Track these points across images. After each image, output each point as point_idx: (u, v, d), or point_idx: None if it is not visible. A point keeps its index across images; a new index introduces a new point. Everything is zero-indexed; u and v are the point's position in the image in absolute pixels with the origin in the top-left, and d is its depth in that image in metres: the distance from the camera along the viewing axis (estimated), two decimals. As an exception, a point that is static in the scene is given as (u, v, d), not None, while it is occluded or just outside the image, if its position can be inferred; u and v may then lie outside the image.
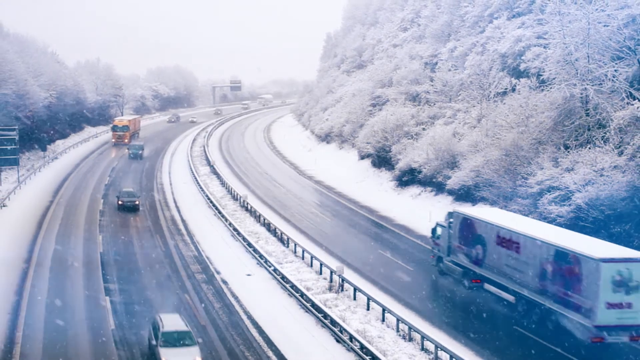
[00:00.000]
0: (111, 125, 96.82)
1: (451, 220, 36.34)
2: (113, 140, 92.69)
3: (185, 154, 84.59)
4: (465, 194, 50.56)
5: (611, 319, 26.57)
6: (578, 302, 27.27)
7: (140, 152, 79.55)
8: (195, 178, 66.15)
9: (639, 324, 26.82)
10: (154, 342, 24.88)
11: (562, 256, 28.27)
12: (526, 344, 27.88)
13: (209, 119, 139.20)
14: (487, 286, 32.93)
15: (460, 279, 35.05)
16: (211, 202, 54.46)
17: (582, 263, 27.19)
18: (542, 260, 29.30)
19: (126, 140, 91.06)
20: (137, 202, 52.26)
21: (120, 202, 52.04)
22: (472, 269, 34.13)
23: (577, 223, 38.07)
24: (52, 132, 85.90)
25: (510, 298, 31.01)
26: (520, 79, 51.85)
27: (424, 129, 63.73)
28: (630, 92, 40.25)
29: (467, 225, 35.01)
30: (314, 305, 30.55)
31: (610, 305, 26.51)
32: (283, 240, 43.25)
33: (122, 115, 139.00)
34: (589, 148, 40.52)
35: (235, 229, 44.95)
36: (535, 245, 29.78)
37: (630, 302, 26.56)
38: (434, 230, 38.44)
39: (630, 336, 26.87)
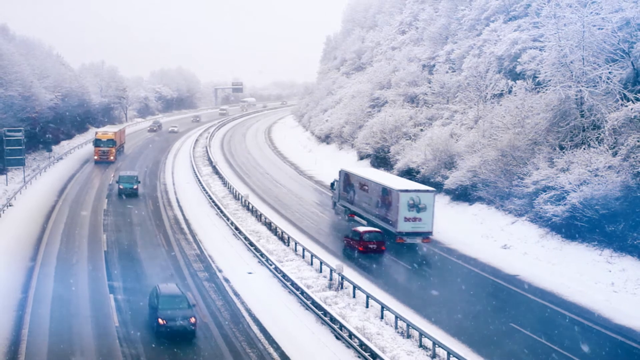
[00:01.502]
0: (93, 139, 78.07)
1: (339, 175, 51.40)
2: (95, 157, 74.94)
3: (187, 155, 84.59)
4: (462, 194, 50.60)
5: (408, 228, 41.60)
6: (390, 218, 42.58)
7: (134, 186, 56.18)
8: (198, 178, 66.14)
9: (425, 231, 41.73)
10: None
11: (384, 191, 43.80)
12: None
13: (193, 125, 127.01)
14: (356, 218, 48.13)
15: (344, 215, 50.27)
16: (213, 201, 54.46)
17: (392, 194, 42.63)
18: (377, 195, 44.67)
19: (112, 158, 74.93)
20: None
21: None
22: (349, 207, 49.67)
23: (573, 222, 38.15)
24: (57, 133, 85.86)
25: (364, 222, 45.78)
26: (517, 81, 51.85)
27: (422, 130, 63.76)
28: (624, 94, 40.26)
29: (346, 178, 50.10)
30: (314, 302, 30.55)
31: (407, 219, 41.47)
32: (284, 239, 43.25)
33: (125, 117, 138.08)
34: (584, 149, 40.56)
35: (236, 228, 44.95)
36: (374, 186, 45.22)
37: (419, 218, 41.61)
38: (332, 184, 54.06)
39: (421, 238, 41.87)
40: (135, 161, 77.76)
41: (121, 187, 55.25)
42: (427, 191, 42.94)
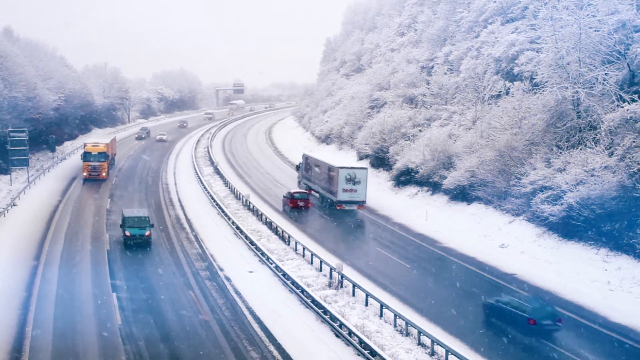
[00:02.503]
0: (82, 152, 65.16)
1: (302, 159, 62.02)
2: (84, 174, 62.17)
3: (189, 157, 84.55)
4: (460, 194, 50.59)
5: (346, 197, 51.51)
6: (333, 190, 52.33)
7: (146, 232, 40.09)
8: (199, 178, 66.11)
9: (360, 200, 51.58)
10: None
11: (329, 168, 53.45)
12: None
13: (179, 133, 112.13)
14: (313, 192, 57.52)
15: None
16: (215, 201, 54.45)
17: (334, 170, 52.38)
18: (324, 172, 54.40)
19: (104, 174, 62.42)
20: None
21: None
22: (308, 184, 59.37)
23: (569, 222, 38.15)
24: (60, 133, 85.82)
25: (317, 195, 56.52)
26: (514, 82, 51.84)
27: (420, 131, 63.74)
28: (620, 95, 40.26)
29: (306, 160, 60.56)
30: (314, 301, 30.54)
31: (345, 190, 51.27)
32: (284, 238, 43.25)
33: (128, 118, 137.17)
34: (580, 149, 40.56)
35: (238, 227, 44.94)
36: (323, 165, 55.08)
37: (355, 189, 51.32)
38: (297, 166, 65.43)
39: (357, 206, 51.84)
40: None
41: (127, 233, 39.58)
42: (362, 168, 53.45)
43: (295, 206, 52.48)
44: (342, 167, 51.83)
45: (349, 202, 51.51)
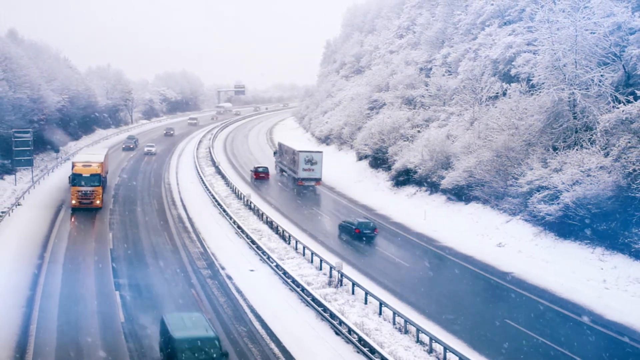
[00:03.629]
0: (70, 174, 51.44)
1: (278, 146, 74.57)
2: (73, 202, 48.79)
3: (191, 158, 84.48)
4: (458, 193, 50.59)
5: (305, 175, 62.62)
6: (295, 169, 63.32)
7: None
8: (201, 178, 66.12)
9: (316, 177, 62.78)
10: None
11: (293, 152, 64.08)
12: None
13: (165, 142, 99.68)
14: (284, 174, 70.54)
15: (280, 173, 71.80)
16: (216, 201, 54.44)
17: (296, 153, 62.99)
18: (291, 155, 65.56)
19: (98, 202, 48.99)
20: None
21: None
22: (280, 167, 71.87)
23: (566, 221, 38.15)
24: (64, 134, 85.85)
25: (286, 175, 69.14)
26: (511, 84, 51.87)
27: (419, 132, 63.75)
28: (615, 96, 40.27)
29: (280, 147, 72.40)
30: (314, 299, 30.54)
31: (304, 170, 62.37)
32: (285, 237, 43.24)
33: (131, 119, 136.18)
34: (577, 149, 40.57)
35: (239, 227, 44.94)
36: (290, 150, 65.91)
37: (312, 169, 62.40)
38: (275, 152, 77.53)
39: (314, 182, 62.91)
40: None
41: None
42: (318, 152, 64.52)
43: (257, 177, 68.39)
44: (301, 151, 63.07)
45: (308, 179, 63.06)
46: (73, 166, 51.77)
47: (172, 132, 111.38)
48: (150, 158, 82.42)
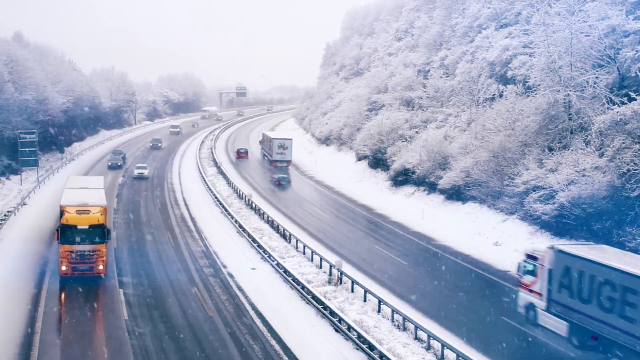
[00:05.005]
0: (58, 224, 32.65)
1: (262, 137, 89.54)
2: (62, 267, 31.54)
3: (193, 158, 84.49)
4: (455, 193, 50.58)
5: (278, 158, 75.88)
6: (270, 153, 76.80)
7: None
8: (203, 178, 66.12)
9: (287, 159, 76.07)
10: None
11: (269, 139, 77.90)
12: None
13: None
14: (265, 158, 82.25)
15: (262, 158, 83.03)
16: (218, 200, 54.44)
17: (271, 140, 76.40)
18: (268, 142, 78.12)
19: (101, 268, 32.05)
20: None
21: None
22: (263, 152, 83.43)
23: (561, 220, 38.15)
24: (69, 135, 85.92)
25: (267, 159, 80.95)
26: (507, 86, 51.84)
27: (417, 132, 63.74)
28: (610, 98, 40.27)
29: (263, 136, 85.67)
30: (314, 297, 30.54)
31: (277, 153, 75.74)
32: (285, 236, 43.24)
33: (134, 120, 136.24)
34: (572, 150, 40.55)
35: (240, 226, 44.94)
36: (268, 138, 78.12)
37: (284, 153, 75.79)
38: (260, 141, 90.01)
39: (286, 164, 75.92)
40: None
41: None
42: (288, 139, 77.09)
43: (238, 156, 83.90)
44: (275, 138, 77.22)
45: (280, 160, 75.81)
46: (62, 213, 32.46)
47: (160, 144, 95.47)
48: (156, 153, 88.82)
